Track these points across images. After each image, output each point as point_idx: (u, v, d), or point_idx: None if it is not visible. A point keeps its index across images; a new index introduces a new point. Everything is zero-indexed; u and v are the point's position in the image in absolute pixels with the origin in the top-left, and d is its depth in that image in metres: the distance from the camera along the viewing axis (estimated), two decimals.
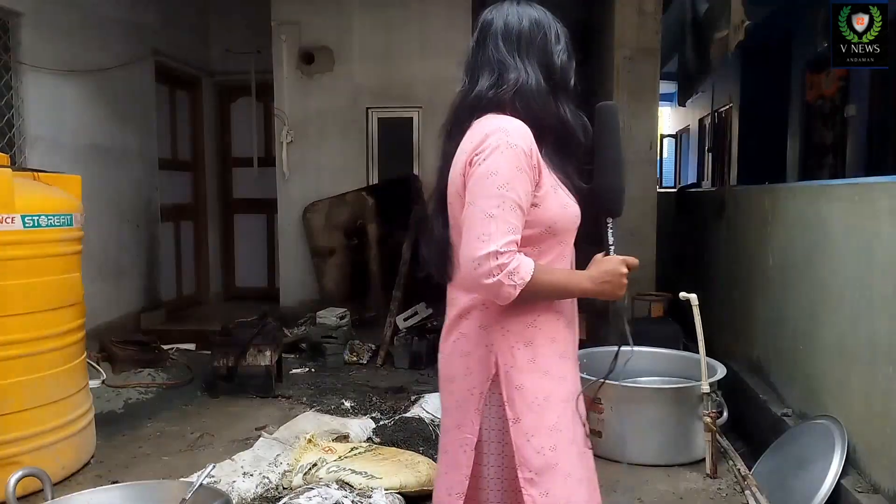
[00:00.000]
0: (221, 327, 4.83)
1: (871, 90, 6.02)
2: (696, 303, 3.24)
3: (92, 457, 3.44)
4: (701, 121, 11.44)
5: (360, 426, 3.74)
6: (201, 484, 2.25)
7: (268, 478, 3.09)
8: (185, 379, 4.72)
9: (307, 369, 5.18)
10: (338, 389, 4.66)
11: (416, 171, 6.17)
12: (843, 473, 2.68)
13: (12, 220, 2.93)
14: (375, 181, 6.22)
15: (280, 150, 6.21)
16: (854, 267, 2.81)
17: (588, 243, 1.65)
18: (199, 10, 7.01)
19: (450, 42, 5.98)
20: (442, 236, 1.65)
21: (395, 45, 6.08)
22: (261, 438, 3.53)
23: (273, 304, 6.27)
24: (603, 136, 1.56)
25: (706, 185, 10.40)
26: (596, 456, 1.76)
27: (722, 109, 9.99)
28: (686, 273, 5.45)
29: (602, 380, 1.71)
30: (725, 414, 3.27)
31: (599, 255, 1.60)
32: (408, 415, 3.86)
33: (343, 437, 3.56)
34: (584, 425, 1.64)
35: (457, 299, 1.63)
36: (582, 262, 1.63)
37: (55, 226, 3.14)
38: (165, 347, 5.16)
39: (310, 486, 2.90)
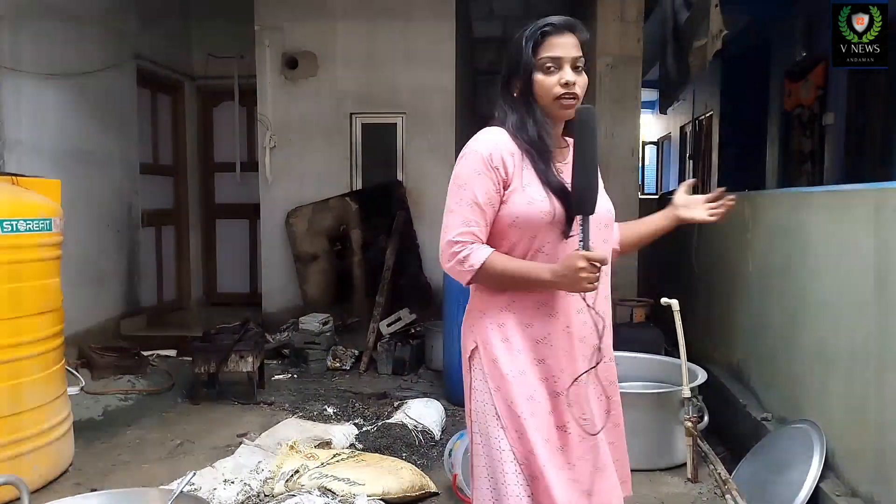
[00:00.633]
0: (203, 333, 4.80)
1: (849, 99, 6.12)
2: (678, 308, 3.27)
3: (70, 464, 3.41)
4: (682, 128, 11.56)
5: (343, 432, 3.73)
6: (182, 492, 2.23)
7: (249, 485, 3.07)
8: (166, 385, 4.67)
9: (290, 375, 5.15)
10: (320, 396, 4.64)
11: (399, 177, 6.17)
12: (822, 477, 2.70)
13: None
14: (359, 187, 6.21)
15: (263, 155, 6.17)
16: (833, 273, 2.84)
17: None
18: (181, 13, 6.97)
19: (434, 49, 6.00)
20: None
21: (380, 52, 6.08)
22: (242, 445, 3.51)
23: (255, 309, 6.24)
24: (580, 139, 1.64)
25: None
26: None
27: (703, 117, 10.11)
28: (668, 279, 5.49)
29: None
30: (706, 418, 3.30)
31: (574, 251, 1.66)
32: (391, 421, 3.85)
33: (326, 444, 3.54)
34: (581, 417, 1.73)
35: None
36: None
37: (34, 230, 3.10)
38: (146, 354, 5.09)
39: (292, 493, 2.89)
